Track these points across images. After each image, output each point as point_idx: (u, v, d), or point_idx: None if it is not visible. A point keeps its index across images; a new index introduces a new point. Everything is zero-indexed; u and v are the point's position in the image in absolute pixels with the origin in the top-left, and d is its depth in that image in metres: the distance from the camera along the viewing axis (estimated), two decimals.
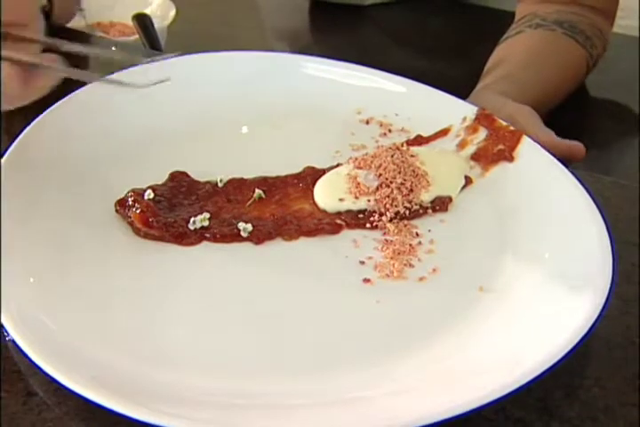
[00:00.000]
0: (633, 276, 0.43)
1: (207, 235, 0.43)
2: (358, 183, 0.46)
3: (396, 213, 0.45)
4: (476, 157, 0.50)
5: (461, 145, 0.51)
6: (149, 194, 0.44)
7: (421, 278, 0.41)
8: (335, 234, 0.44)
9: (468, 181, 0.48)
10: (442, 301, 0.40)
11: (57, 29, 0.67)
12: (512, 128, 0.50)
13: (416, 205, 0.46)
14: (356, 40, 0.91)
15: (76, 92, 0.47)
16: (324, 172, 0.48)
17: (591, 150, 0.55)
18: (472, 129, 0.51)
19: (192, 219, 0.43)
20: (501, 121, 0.51)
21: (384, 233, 0.44)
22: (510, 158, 0.49)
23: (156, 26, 0.80)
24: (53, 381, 0.32)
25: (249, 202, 0.46)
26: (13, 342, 0.33)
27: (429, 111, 0.53)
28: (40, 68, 0.39)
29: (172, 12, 0.89)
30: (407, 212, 0.45)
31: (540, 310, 0.38)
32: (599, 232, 0.41)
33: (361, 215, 0.45)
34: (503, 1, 0.92)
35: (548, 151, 0.48)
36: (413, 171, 0.47)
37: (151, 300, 0.39)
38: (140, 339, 0.37)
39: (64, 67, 0.40)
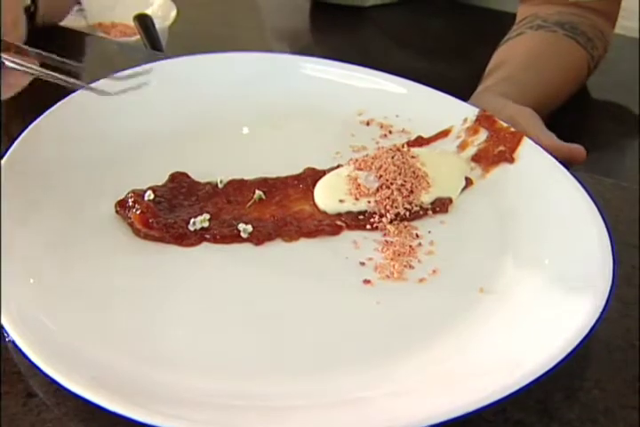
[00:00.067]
0: (633, 278, 0.43)
1: (207, 236, 0.43)
2: (359, 184, 0.46)
3: (397, 215, 0.45)
4: (476, 158, 0.50)
5: (462, 146, 0.51)
6: (149, 195, 0.44)
7: (421, 280, 0.41)
8: (335, 235, 0.44)
9: (469, 182, 0.48)
10: (442, 302, 0.40)
11: (52, 29, 0.67)
12: (513, 129, 0.50)
13: (416, 206, 0.46)
14: (357, 41, 0.91)
15: (76, 92, 0.47)
16: (324, 173, 0.48)
17: (592, 152, 0.55)
18: (473, 130, 0.51)
19: (192, 220, 0.43)
20: (502, 122, 0.51)
21: (384, 234, 0.44)
22: (511, 160, 0.49)
23: (157, 26, 0.80)
24: (53, 382, 0.32)
25: (249, 203, 0.46)
26: (13, 342, 0.33)
27: (430, 112, 0.53)
28: (19, 68, 0.39)
29: (173, 13, 0.89)
30: (407, 213, 0.45)
31: (540, 312, 0.38)
32: (599, 234, 0.41)
33: (361, 216, 0.45)
34: (504, 2, 0.92)
35: (549, 153, 0.48)
36: (414, 172, 0.47)
37: (151, 301, 0.39)
38: (139, 340, 0.37)
39: (41, 69, 0.40)
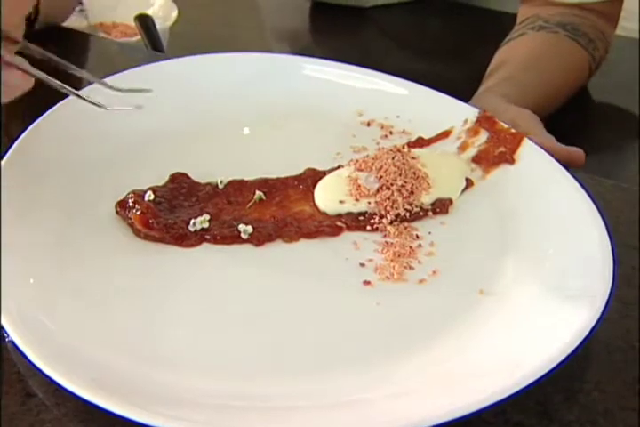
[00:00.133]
0: (633, 279, 0.43)
1: (207, 236, 0.43)
2: (359, 185, 0.46)
3: (397, 216, 0.45)
4: (477, 159, 0.50)
5: (462, 147, 0.51)
6: (150, 195, 0.44)
7: (421, 281, 0.41)
8: (335, 236, 0.44)
9: (469, 183, 0.48)
10: (442, 303, 0.40)
11: (53, 29, 0.67)
12: (513, 131, 0.50)
13: (416, 207, 0.46)
14: (357, 42, 0.91)
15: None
16: (324, 174, 0.48)
17: (592, 153, 0.55)
18: (473, 131, 0.51)
19: (192, 220, 0.43)
20: (502, 123, 0.51)
21: (384, 235, 0.44)
22: (511, 161, 0.48)
23: (158, 27, 0.80)
24: (52, 382, 0.32)
25: (249, 204, 0.46)
26: (12, 342, 0.33)
27: (431, 113, 0.53)
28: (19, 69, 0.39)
29: (174, 13, 0.89)
30: (408, 214, 0.45)
31: (539, 313, 0.38)
32: (600, 235, 0.41)
33: (361, 217, 0.45)
34: (505, 3, 0.92)
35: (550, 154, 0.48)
36: (414, 173, 0.47)
37: (151, 301, 0.39)
38: (139, 340, 0.37)
39: (39, 72, 0.40)
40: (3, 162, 0.42)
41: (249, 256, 0.42)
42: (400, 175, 0.46)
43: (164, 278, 0.40)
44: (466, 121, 0.52)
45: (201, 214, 0.44)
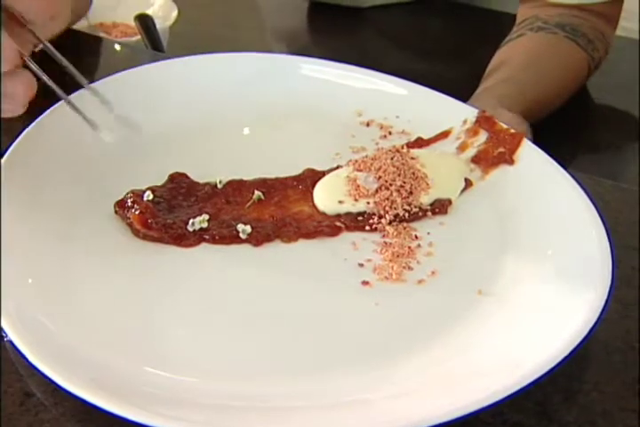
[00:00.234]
0: (633, 280, 0.43)
1: (206, 236, 0.43)
2: (358, 186, 0.46)
3: (396, 216, 0.45)
4: (476, 159, 0.50)
5: (462, 148, 0.51)
6: (149, 195, 0.44)
7: (420, 281, 0.41)
8: (334, 236, 0.44)
9: (468, 183, 0.48)
10: (441, 303, 0.40)
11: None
12: (513, 131, 0.50)
13: (415, 207, 0.46)
14: (355, 42, 0.91)
15: (77, 92, 0.47)
16: (323, 174, 0.48)
17: (591, 153, 0.55)
18: (472, 132, 0.51)
19: (191, 220, 0.43)
20: (502, 124, 0.51)
21: (383, 235, 0.44)
22: (510, 161, 0.48)
23: (158, 27, 0.80)
24: (51, 381, 0.32)
25: (248, 204, 0.46)
26: (11, 342, 0.33)
27: (430, 113, 0.53)
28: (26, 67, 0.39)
29: (174, 13, 0.89)
30: (406, 214, 0.45)
31: (539, 313, 0.38)
32: (599, 236, 0.41)
33: (360, 218, 0.45)
34: (504, 3, 0.92)
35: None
36: (413, 173, 0.47)
37: (150, 301, 0.39)
38: (138, 340, 0.36)
39: (43, 74, 0.40)
40: (2, 161, 0.42)
41: (248, 256, 0.42)
42: (399, 175, 0.46)
43: (163, 278, 0.40)
44: (465, 121, 0.52)
45: (200, 214, 0.44)
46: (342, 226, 0.44)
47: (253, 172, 0.47)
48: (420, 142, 0.51)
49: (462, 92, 0.58)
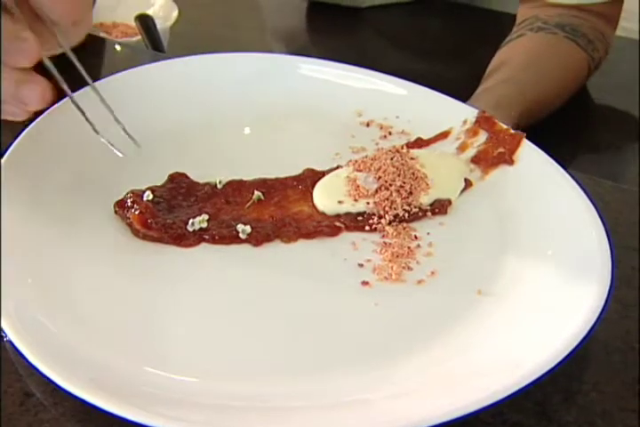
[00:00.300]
0: (633, 280, 0.43)
1: (206, 236, 0.43)
2: (358, 186, 0.46)
3: (395, 216, 0.45)
4: (476, 159, 0.50)
5: (461, 148, 0.51)
6: (148, 195, 0.44)
7: (420, 281, 0.41)
8: (334, 236, 0.44)
9: (468, 183, 0.48)
10: (440, 304, 0.40)
11: None
12: (512, 131, 0.50)
13: (415, 207, 0.46)
14: (355, 42, 0.91)
15: (76, 93, 0.47)
16: (323, 174, 0.48)
17: (591, 154, 0.55)
18: (472, 132, 0.51)
19: (191, 220, 0.43)
20: (502, 124, 0.51)
21: (383, 236, 0.44)
22: (510, 162, 0.48)
23: (158, 27, 0.80)
24: (51, 382, 0.32)
25: (248, 204, 0.46)
26: (11, 342, 0.33)
27: (430, 114, 0.53)
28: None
29: (175, 13, 0.89)
30: (406, 214, 0.45)
31: (539, 313, 0.38)
32: (599, 236, 0.41)
33: (360, 218, 0.45)
34: (504, 3, 0.92)
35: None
36: (413, 173, 0.47)
37: (150, 301, 0.39)
38: (138, 340, 0.36)
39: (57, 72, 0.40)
40: (2, 161, 0.42)
41: (247, 256, 0.42)
42: (399, 176, 0.46)
43: (163, 278, 0.40)
44: (465, 121, 0.52)
45: (199, 214, 0.44)
46: (342, 226, 0.44)
47: (253, 172, 0.47)
48: (419, 142, 0.51)
49: (462, 92, 0.58)
